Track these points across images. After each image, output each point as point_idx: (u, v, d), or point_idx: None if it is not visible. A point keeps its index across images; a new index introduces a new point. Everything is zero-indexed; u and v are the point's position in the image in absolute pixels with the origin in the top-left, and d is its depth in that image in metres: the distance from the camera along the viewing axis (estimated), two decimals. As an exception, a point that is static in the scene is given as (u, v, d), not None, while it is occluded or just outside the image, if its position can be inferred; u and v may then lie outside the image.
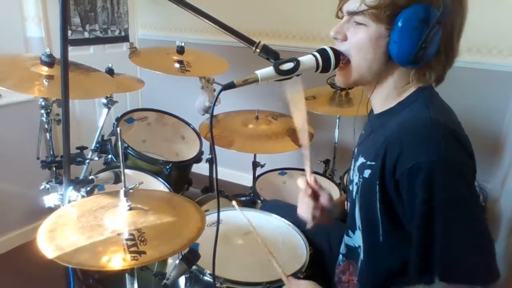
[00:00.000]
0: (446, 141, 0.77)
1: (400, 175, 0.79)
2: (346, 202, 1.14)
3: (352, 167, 1.03)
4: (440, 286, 0.79)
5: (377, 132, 0.92)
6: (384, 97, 0.93)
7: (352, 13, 0.86)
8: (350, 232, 1.07)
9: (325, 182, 2.10)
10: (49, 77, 1.43)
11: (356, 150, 1.06)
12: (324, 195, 1.14)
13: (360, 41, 0.86)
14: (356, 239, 1.03)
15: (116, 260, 0.85)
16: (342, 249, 1.13)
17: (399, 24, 0.80)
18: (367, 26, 0.84)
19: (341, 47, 0.90)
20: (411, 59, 0.81)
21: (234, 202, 1.11)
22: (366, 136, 1.03)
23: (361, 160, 0.93)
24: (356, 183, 0.95)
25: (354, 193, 0.98)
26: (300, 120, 1.11)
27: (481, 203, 2.13)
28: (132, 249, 0.88)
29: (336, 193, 1.97)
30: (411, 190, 0.78)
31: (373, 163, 0.87)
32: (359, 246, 1.02)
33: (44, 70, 1.45)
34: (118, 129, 1.05)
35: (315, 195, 1.13)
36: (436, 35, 0.79)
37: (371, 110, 1.04)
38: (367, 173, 0.89)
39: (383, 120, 0.92)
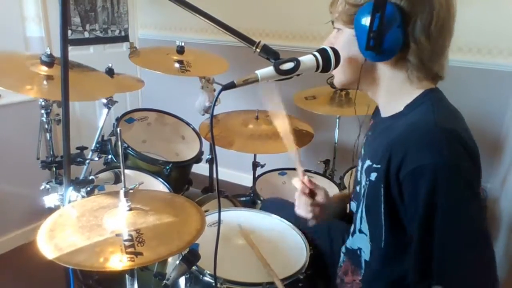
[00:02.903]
0: (450, 145, 0.77)
1: (404, 177, 0.79)
2: (349, 202, 1.13)
3: (359, 168, 1.03)
4: None
5: (384, 135, 0.92)
6: (388, 101, 0.94)
7: (332, 22, 0.94)
8: (351, 234, 1.06)
9: (325, 182, 2.10)
10: (49, 78, 1.43)
11: (362, 151, 1.06)
12: (320, 192, 1.16)
13: (339, 46, 0.92)
14: (356, 241, 1.03)
15: (113, 261, 0.85)
16: (343, 248, 1.13)
17: (355, 20, 0.86)
18: (342, 31, 0.92)
19: None
20: (368, 49, 0.84)
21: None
22: (373, 138, 1.02)
23: (368, 163, 0.93)
24: (363, 186, 0.95)
25: (360, 195, 0.98)
26: (282, 126, 1.14)
27: (484, 205, 2.14)
28: (129, 250, 0.88)
29: (336, 193, 1.97)
30: (413, 193, 0.79)
31: (378, 165, 0.87)
32: (360, 249, 1.02)
33: (44, 70, 1.45)
34: (118, 129, 1.05)
35: (311, 194, 1.15)
36: (388, 24, 0.81)
37: (377, 112, 1.04)
38: (373, 176, 0.89)
39: (391, 123, 0.92)
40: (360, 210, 0.98)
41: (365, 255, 1.00)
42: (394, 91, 0.91)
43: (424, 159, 0.76)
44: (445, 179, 0.75)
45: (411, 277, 0.83)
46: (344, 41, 0.91)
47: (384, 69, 0.90)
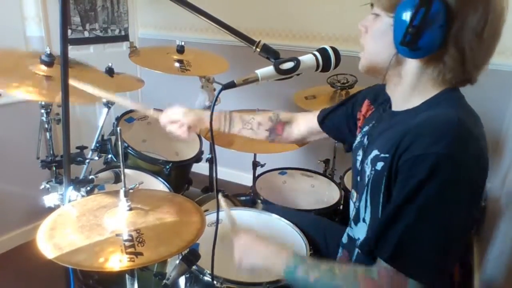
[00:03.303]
0: (464, 142, 0.76)
1: (405, 161, 0.78)
2: (355, 192, 1.12)
3: (359, 158, 1.02)
4: (381, 266, 0.80)
5: (398, 127, 0.89)
6: (407, 96, 0.92)
7: (371, 5, 0.89)
8: (353, 223, 1.06)
9: (325, 182, 2.10)
10: (48, 78, 1.42)
11: (365, 140, 1.04)
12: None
13: (375, 32, 0.89)
14: (357, 231, 1.03)
15: (113, 261, 0.85)
16: (344, 238, 1.13)
17: (397, 10, 0.82)
18: (380, 17, 0.87)
19: (363, 39, 0.92)
20: (403, 44, 0.81)
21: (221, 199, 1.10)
22: (381, 129, 0.99)
23: (375, 152, 0.92)
24: (368, 175, 0.94)
25: (364, 185, 0.97)
26: None
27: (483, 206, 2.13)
28: (129, 250, 0.88)
29: (336, 193, 1.97)
30: (408, 174, 0.78)
31: (386, 155, 0.86)
32: (358, 239, 1.02)
33: (43, 70, 1.44)
34: (118, 128, 1.05)
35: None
36: (430, 21, 0.78)
37: (374, 97, 1.03)
38: (379, 165, 0.88)
39: (406, 117, 0.90)
40: (364, 199, 0.97)
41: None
42: (415, 88, 0.89)
43: (431, 147, 0.75)
44: (446, 170, 0.74)
45: (366, 243, 0.84)
46: (380, 28, 0.87)
47: (413, 66, 0.87)
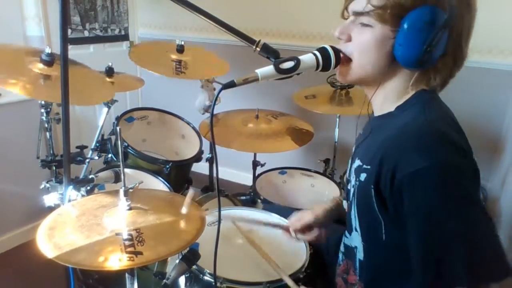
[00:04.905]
0: (442, 147, 0.77)
1: (401, 179, 0.78)
2: (347, 201, 1.14)
3: (348, 167, 1.03)
4: None
5: (374, 135, 0.91)
6: (384, 100, 0.93)
7: (358, 14, 0.85)
8: (347, 233, 1.07)
9: (325, 182, 2.10)
10: (46, 77, 1.41)
11: (354, 150, 1.06)
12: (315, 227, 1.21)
13: (364, 43, 0.86)
14: (352, 239, 1.03)
15: (112, 260, 0.85)
16: (342, 247, 1.13)
17: (405, 26, 0.79)
18: (372, 27, 0.84)
19: (345, 48, 0.90)
20: (416, 62, 0.81)
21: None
22: (364, 138, 1.02)
23: (357, 162, 0.93)
24: (353, 186, 0.95)
25: (351, 195, 0.97)
26: None
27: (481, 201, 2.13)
28: (129, 249, 0.88)
29: (336, 193, 1.97)
30: (412, 195, 0.78)
31: (368, 166, 0.87)
32: (355, 247, 1.02)
33: (42, 68, 1.42)
34: (118, 128, 1.05)
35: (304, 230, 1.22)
36: (442, 38, 0.78)
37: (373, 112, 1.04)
38: (363, 176, 0.89)
39: (381, 123, 0.92)
40: (353, 209, 0.98)
41: (359, 254, 1.00)
42: (395, 92, 0.90)
43: (419, 163, 0.75)
44: (439, 179, 0.75)
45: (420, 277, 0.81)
46: (372, 40, 0.84)
47: (404, 73, 0.88)
